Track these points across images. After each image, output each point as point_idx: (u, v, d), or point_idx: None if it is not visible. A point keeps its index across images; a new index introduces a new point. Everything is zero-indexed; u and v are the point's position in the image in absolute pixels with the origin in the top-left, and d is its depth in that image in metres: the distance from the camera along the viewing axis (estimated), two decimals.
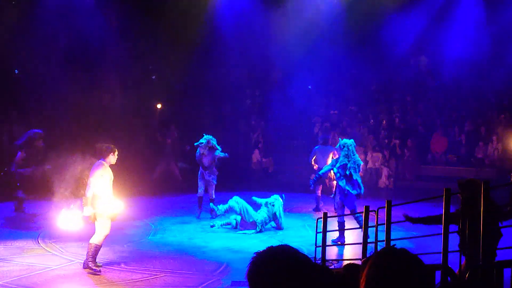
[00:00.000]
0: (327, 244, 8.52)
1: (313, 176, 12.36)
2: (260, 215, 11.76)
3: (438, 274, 5.58)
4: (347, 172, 10.55)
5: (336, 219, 10.68)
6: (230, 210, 11.84)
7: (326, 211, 9.66)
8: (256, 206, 12.12)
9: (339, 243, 10.45)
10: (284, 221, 12.13)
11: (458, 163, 17.72)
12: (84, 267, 8.77)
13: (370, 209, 7.53)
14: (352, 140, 10.97)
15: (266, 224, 11.85)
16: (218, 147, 13.04)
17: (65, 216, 9.07)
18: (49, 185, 11.06)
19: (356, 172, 10.57)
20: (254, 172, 18.90)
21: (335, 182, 11.16)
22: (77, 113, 16.93)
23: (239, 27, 20.08)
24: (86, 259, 8.71)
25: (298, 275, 2.13)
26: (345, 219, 10.61)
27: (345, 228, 10.43)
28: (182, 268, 9.14)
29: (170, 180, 17.29)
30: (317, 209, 13.74)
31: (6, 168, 15.71)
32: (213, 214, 12.43)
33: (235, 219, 11.78)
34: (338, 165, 10.73)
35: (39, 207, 12.57)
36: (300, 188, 16.26)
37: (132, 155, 15.34)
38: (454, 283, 4.50)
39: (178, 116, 19.40)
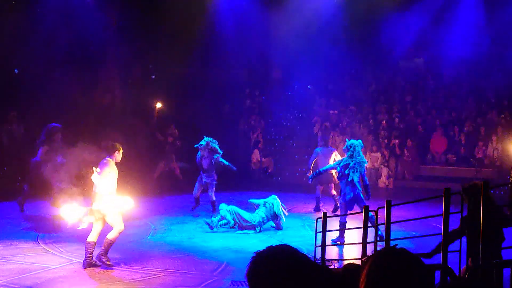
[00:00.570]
0: (326, 244, 8.53)
1: (310, 173, 12.39)
2: (257, 216, 11.72)
3: (438, 274, 5.58)
4: (346, 172, 10.59)
5: (335, 218, 10.69)
6: (223, 219, 11.75)
7: (326, 211, 9.68)
8: (252, 209, 12.08)
9: (339, 242, 10.46)
10: (284, 221, 12.12)
11: (457, 163, 17.73)
12: (84, 267, 8.79)
13: (370, 209, 7.54)
14: (359, 140, 11.02)
15: (264, 223, 11.80)
16: (220, 150, 12.94)
17: (66, 209, 9.16)
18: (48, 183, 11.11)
19: (355, 173, 10.58)
20: (254, 172, 18.90)
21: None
22: (77, 113, 16.93)
23: (239, 27, 20.08)
24: (85, 260, 8.79)
25: (297, 275, 2.13)
26: (347, 220, 10.60)
27: (346, 228, 10.43)
28: (182, 268, 9.14)
29: (170, 179, 17.28)
30: (317, 209, 13.72)
31: (6, 168, 15.75)
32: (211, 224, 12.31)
33: (233, 218, 11.73)
34: (341, 164, 10.79)
35: (39, 208, 12.56)
36: (300, 188, 16.27)
37: (132, 155, 15.32)
38: (454, 283, 4.50)
39: (178, 115, 19.40)
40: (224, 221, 11.66)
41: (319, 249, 8.46)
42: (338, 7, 20.07)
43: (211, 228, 11.49)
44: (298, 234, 11.70)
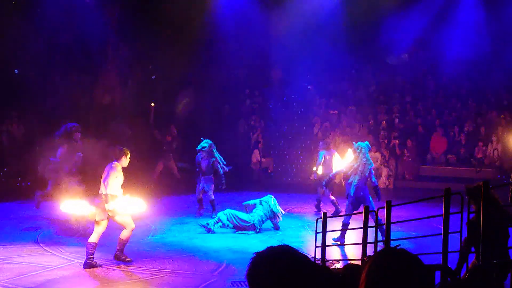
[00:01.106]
0: (327, 244, 8.53)
1: (317, 175, 12.57)
2: (255, 215, 11.70)
3: (438, 274, 5.58)
4: (352, 174, 10.67)
5: (335, 219, 10.69)
6: (219, 222, 11.73)
7: (326, 212, 9.67)
8: (249, 211, 12.06)
9: (339, 243, 10.46)
10: (284, 221, 12.11)
11: (457, 163, 17.73)
12: (85, 268, 8.81)
13: (370, 209, 7.53)
14: (366, 142, 11.07)
15: (264, 222, 11.77)
16: (218, 155, 13.07)
17: (69, 203, 9.25)
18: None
19: (354, 175, 10.62)
20: (254, 172, 18.89)
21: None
22: (77, 113, 16.92)
23: (239, 27, 20.07)
24: (86, 260, 8.83)
25: (298, 275, 2.14)
26: (350, 221, 10.58)
27: (348, 228, 10.42)
28: (182, 268, 9.14)
29: (169, 178, 17.25)
30: (318, 209, 13.66)
31: (6, 168, 15.74)
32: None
33: (231, 221, 11.69)
34: (348, 166, 10.87)
35: (39, 208, 12.55)
36: (300, 188, 16.27)
37: (133, 155, 15.31)
38: (454, 283, 4.50)
39: (178, 115, 19.39)
40: (219, 224, 11.63)
41: (319, 250, 8.46)
42: (338, 7, 20.07)
43: (208, 231, 11.49)
44: (298, 234, 11.69)
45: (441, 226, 6.02)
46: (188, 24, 18.80)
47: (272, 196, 12.12)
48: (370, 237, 7.55)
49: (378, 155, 17.81)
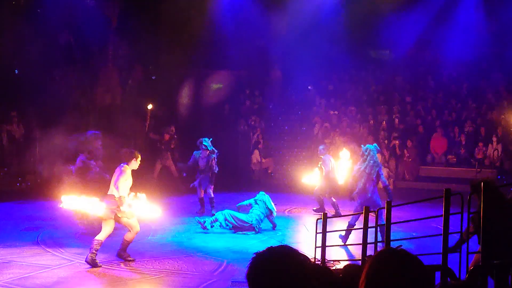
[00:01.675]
0: (327, 244, 8.52)
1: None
2: (253, 215, 11.68)
3: (438, 275, 5.58)
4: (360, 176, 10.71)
5: (335, 219, 10.70)
6: (216, 221, 11.72)
7: (326, 212, 9.66)
8: (245, 212, 12.05)
9: (342, 242, 10.46)
10: (284, 221, 12.12)
11: (458, 164, 17.72)
12: (86, 261, 8.84)
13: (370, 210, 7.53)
14: (374, 145, 11.10)
15: (262, 221, 11.76)
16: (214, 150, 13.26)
17: (71, 198, 9.23)
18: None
19: (362, 177, 10.64)
20: (254, 172, 18.89)
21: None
22: (77, 113, 16.93)
23: (239, 27, 20.08)
24: (89, 255, 8.83)
25: (298, 275, 2.14)
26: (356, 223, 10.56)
27: (353, 228, 10.42)
28: (182, 268, 9.13)
29: (167, 177, 17.23)
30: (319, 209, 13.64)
31: (6, 168, 15.74)
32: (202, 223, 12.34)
33: (230, 222, 11.68)
34: (356, 169, 10.92)
35: (40, 208, 12.56)
36: (300, 188, 16.24)
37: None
38: (454, 283, 4.50)
39: (177, 115, 19.39)
40: (217, 223, 11.62)
41: (319, 250, 8.46)
42: (338, 7, 20.08)
43: (204, 228, 11.48)
44: (298, 234, 11.69)
45: (441, 226, 6.01)
46: (188, 24, 18.81)
47: (265, 193, 12.11)
48: (370, 238, 7.55)
49: (378, 155, 17.79)
